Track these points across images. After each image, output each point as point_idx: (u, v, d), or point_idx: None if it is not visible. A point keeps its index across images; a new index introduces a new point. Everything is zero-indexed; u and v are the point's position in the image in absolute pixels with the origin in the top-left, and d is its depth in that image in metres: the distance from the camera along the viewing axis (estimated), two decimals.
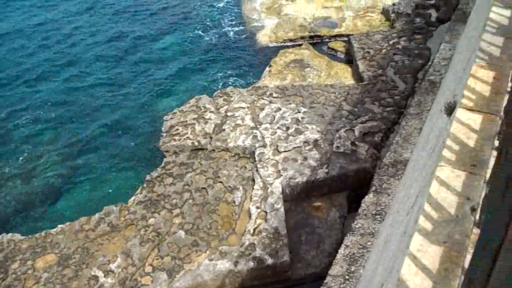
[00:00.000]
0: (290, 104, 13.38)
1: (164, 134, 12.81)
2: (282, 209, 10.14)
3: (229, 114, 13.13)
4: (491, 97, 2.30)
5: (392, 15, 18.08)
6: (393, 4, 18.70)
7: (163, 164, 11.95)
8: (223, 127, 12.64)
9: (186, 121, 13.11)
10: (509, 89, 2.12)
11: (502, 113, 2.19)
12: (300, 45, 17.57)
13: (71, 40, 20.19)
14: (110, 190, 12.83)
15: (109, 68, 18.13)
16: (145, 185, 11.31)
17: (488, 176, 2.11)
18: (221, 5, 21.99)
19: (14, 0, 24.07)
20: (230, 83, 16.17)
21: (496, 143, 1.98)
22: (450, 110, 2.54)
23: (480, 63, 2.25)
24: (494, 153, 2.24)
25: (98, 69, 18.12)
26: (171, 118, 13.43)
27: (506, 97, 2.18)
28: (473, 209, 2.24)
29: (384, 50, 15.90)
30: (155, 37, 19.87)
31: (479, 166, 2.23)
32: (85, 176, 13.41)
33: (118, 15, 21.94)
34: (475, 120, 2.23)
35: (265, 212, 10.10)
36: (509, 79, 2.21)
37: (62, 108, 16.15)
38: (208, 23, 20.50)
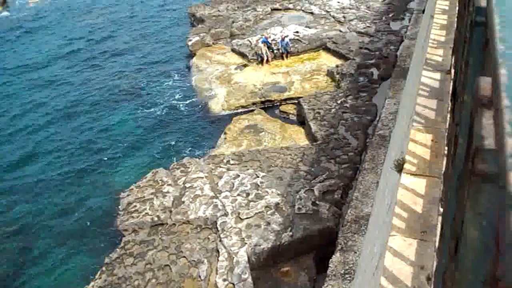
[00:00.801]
0: (248, 169, 13.43)
1: (122, 212, 12.42)
2: (250, 279, 9.85)
3: (187, 185, 12.98)
4: (432, 160, 2.40)
5: (337, 76, 18.99)
6: (337, 66, 19.71)
7: (122, 244, 11.48)
8: (183, 199, 12.43)
9: (144, 197, 12.83)
10: (446, 152, 2.22)
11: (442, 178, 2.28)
12: (252, 111, 17.99)
13: (24, 119, 19.78)
14: (65, 277, 12.06)
15: (60, 146, 17.74)
16: (104, 268, 10.76)
17: (437, 242, 2.15)
18: (171, 79, 22.36)
19: None
20: (186, 154, 16.13)
21: (441, 209, 2.04)
22: (399, 167, 2.62)
23: (418, 127, 2.37)
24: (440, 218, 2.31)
25: (49, 148, 17.68)
26: (128, 195, 13.11)
27: (445, 160, 2.28)
28: (428, 279, 2.25)
29: (333, 110, 16.52)
30: (104, 115, 19.78)
31: (429, 232, 2.27)
32: (36, 263, 12.60)
33: (69, 94, 21.84)
34: (420, 184, 2.31)
35: (233, 284, 9.77)
36: (445, 142, 2.33)
37: (9, 192, 15.45)
38: (158, 98, 20.69)
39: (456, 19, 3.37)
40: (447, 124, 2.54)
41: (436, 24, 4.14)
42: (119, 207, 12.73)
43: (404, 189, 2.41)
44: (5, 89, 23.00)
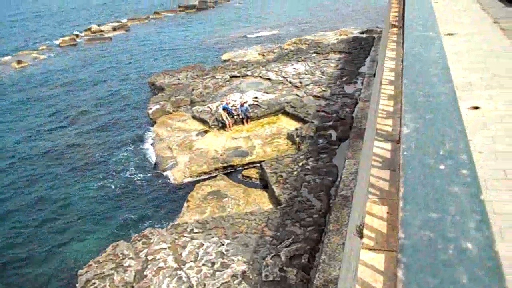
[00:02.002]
0: (212, 237, 13.12)
1: None
2: None
3: (150, 257, 12.47)
4: (389, 233, 2.41)
5: (297, 138, 19.37)
6: (296, 129, 20.16)
7: None
8: (145, 273, 11.88)
9: (104, 273, 12.18)
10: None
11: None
12: (215, 177, 17.89)
13: None
14: None
15: (14, 223, 16.83)
16: None
17: None
18: (131, 148, 22.13)
19: None
20: (148, 224, 15.62)
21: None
22: (360, 232, 2.61)
23: (373, 198, 2.40)
24: None
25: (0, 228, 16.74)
26: (86, 272, 12.42)
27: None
28: None
29: (295, 172, 16.67)
30: (60, 189, 19.13)
31: None
32: None
33: (23, 166, 21.10)
34: (379, 260, 2.30)
35: None
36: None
37: None
38: (118, 168, 20.30)
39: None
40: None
41: (384, 94, 4.34)
42: (77, 286, 11.99)
43: (364, 265, 2.39)
44: None
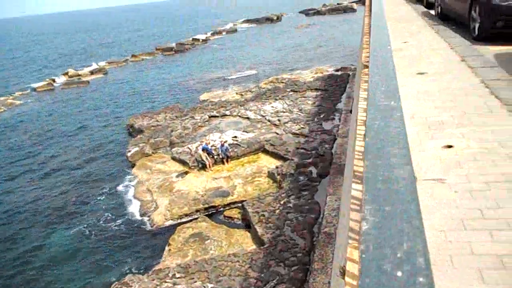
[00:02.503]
0: (195, 282, 12.81)
1: None
2: None
3: None
4: None
5: (278, 176, 19.39)
6: (276, 167, 20.21)
7: None
8: None
9: None
10: None
11: None
12: (196, 218, 17.64)
13: None
14: None
15: None
16: None
17: None
18: (110, 192, 21.75)
19: None
20: (128, 271, 15.16)
21: None
22: (343, 274, 2.58)
23: (353, 244, 2.39)
24: None
25: None
26: None
27: None
28: None
29: (277, 211, 16.59)
30: (34, 238, 18.56)
31: None
32: None
33: None
34: None
35: None
36: None
37: None
38: (96, 213, 19.83)
39: None
40: None
41: (359, 135, 4.41)
42: None
43: None
44: None
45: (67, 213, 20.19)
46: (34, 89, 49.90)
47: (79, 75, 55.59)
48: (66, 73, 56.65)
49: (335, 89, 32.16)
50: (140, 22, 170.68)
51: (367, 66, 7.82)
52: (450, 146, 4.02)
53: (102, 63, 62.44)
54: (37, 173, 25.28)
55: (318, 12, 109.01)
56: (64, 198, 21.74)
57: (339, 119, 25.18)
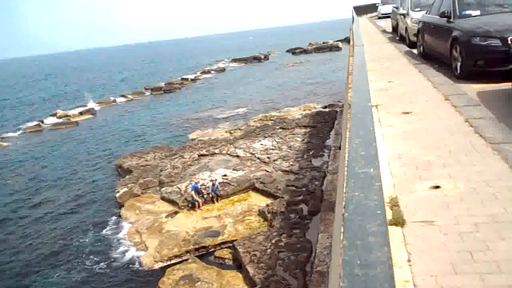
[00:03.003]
0: None
1: None
2: None
3: None
4: None
5: (269, 215, 19.23)
6: (267, 205, 20.09)
7: None
8: None
9: None
10: None
11: None
12: (187, 260, 17.31)
13: None
14: None
15: None
16: None
17: None
18: (97, 234, 21.32)
19: None
20: None
21: None
22: None
23: None
24: None
25: None
26: None
27: None
28: None
29: (269, 250, 16.37)
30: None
31: None
32: None
33: None
34: None
35: None
36: None
37: None
38: (82, 256, 19.31)
39: None
40: None
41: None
42: None
43: None
44: None
45: (52, 256, 19.67)
46: (22, 131, 49.67)
47: (67, 115, 55.59)
48: (55, 114, 56.64)
49: (323, 125, 32.50)
50: (130, 62, 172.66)
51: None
52: (437, 187, 4.06)
53: (90, 104, 62.60)
54: (24, 217, 24.77)
55: (304, 51, 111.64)
56: (50, 240, 21.24)
57: (328, 156, 25.32)
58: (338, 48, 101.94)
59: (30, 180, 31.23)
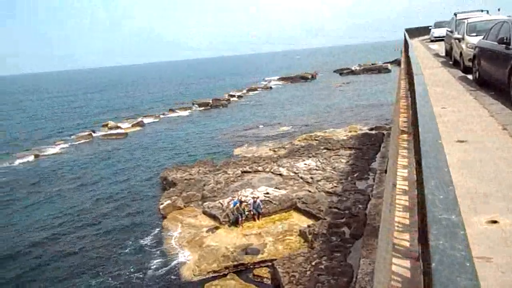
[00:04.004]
0: None
1: None
2: None
3: None
4: None
5: (310, 236, 18.98)
6: (308, 226, 19.83)
7: None
8: None
9: None
10: None
11: None
12: (225, 275, 17.32)
13: None
14: None
15: None
16: None
17: None
18: (140, 244, 21.72)
19: None
20: None
21: None
22: None
23: None
24: None
25: None
26: None
27: None
28: None
29: (308, 272, 16.11)
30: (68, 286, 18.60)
31: None
32: None
33: (28, 265, 20.72)
34: None
35: None
36: None
37: None
38: (125, 264, 19.73)
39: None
40: None
41: (399, 205, 4.33)
42: None
43: None
44: None
45: (93, 263, 20.23)
46: (74, 139, 51.86)
47: (117, 127, 57.62)
48: (106, 125, 58.86)
49: (369, 148, 31.94)
50: (180, 78, 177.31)
51: (405, 132, 7.79)
52: (495, 221, 3.87)
53: (140, 117, 64.57)
54: (70, 220, 25.72)
55: (352, 72, 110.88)
56: (94, 246, 21.89)
57: (373, 179, 24.79)
58: (387, 70, 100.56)
59: (78, 187, 32.44)
